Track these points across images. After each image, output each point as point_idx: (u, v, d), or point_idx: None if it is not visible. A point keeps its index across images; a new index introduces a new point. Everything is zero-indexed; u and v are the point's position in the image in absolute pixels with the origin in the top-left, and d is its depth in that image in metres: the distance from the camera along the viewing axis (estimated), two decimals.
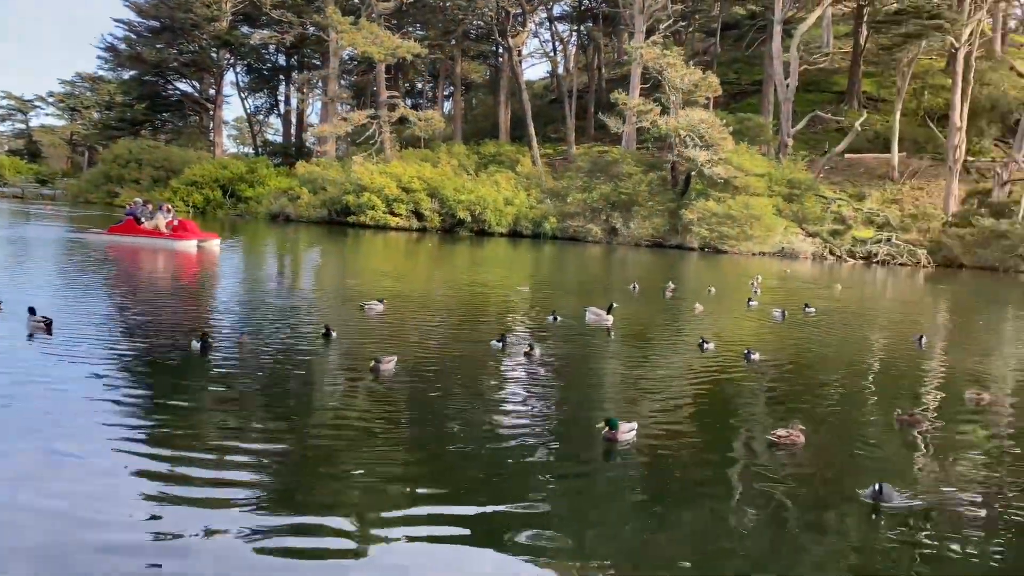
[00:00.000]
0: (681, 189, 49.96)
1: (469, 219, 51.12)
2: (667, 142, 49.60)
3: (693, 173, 48.36)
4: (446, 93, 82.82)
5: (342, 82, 72.10)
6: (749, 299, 22.27)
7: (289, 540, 5.96)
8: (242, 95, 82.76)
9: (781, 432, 9.10)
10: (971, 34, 49.18)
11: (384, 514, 6.49)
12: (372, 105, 61.43)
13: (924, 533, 6.83)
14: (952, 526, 7.01)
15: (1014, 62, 60.31)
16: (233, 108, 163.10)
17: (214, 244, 31.38)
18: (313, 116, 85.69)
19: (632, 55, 53.41)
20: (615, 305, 17.85)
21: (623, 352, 15.02)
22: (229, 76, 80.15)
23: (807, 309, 20.65)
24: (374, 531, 6.20)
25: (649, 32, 56.97)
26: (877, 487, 7.18)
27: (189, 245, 29.72)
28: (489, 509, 6.75)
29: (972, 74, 50.01)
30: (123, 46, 76.29)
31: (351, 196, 51.11)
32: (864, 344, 17.71)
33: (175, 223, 30.85)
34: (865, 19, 59.53)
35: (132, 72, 78.82)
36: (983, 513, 7.38)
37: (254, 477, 7.15)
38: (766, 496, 7.56)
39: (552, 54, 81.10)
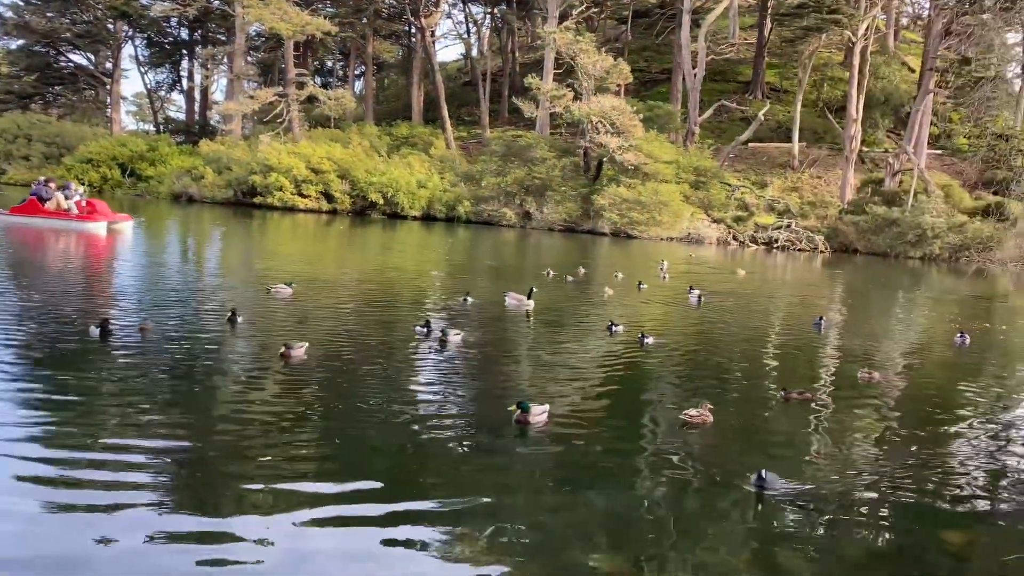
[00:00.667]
0: (593, 175, 50.58)
1: (381, 202, 50.42)
2: (580, 128, 50.06)
3: (605, 159, 49.02)
4: (357, 73, 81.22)
5: (249, 59, 69.78)
6: (661, 274, 22.87)
7: (193, 547, 5.66)
8: (142, 70, 79.24)
9: (693, 412, 9.43)
10: (867, 29, 51.35)
11: (294, 511, 6.27)
12: (280, 83, 59.72)
13: (807, 516, 7.16)
14: (838, 509, 7.38)
15: (905, 58, 63.35)
16: (132, 83, 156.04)
17: (127, 226, 29.97)
18: (218, 93, 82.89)
19: (545, 40, 53.56)
20: (535, 289, 18.01)
21: (538, 336, 15.16)
22: (127, 49, 76.63)
23: (692, 291, 21.23)
24: (283, 530, 5.97)
25: (562, 17, 57.27)
26: (761, 473, 7.31)
27: (98, 227, 28.26)
28: (401, 497, 6.72)
29: (867, 68, 52.30)
30: (9, 14, 71.72)
31: (258, 176, 49.64)
32: (765, 327, 18.40)
33: (84, 204, 29.34)
34: (769, 11, 61.41)
35: (20, 42, 74.20)
36: (871, 495, 7.79)
37: (154, 478, 6.78)
38: (670, 478, 7.79)
39: (466, 36, 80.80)
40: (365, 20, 66.50)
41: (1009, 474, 8.60)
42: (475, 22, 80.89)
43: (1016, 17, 41.51)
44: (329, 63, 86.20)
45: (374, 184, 50.18)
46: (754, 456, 8.46)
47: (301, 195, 49.88)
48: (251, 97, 57.25)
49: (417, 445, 8.08)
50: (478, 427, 8.86)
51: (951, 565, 6.33)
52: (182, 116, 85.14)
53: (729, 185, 52.22)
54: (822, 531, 6.69)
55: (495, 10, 74.82)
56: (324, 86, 72.65)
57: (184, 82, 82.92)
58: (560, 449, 8.34)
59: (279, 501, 6.46)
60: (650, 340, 13.97)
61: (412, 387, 10.50)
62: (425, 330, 13.36)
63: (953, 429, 10.35)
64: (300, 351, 11.20)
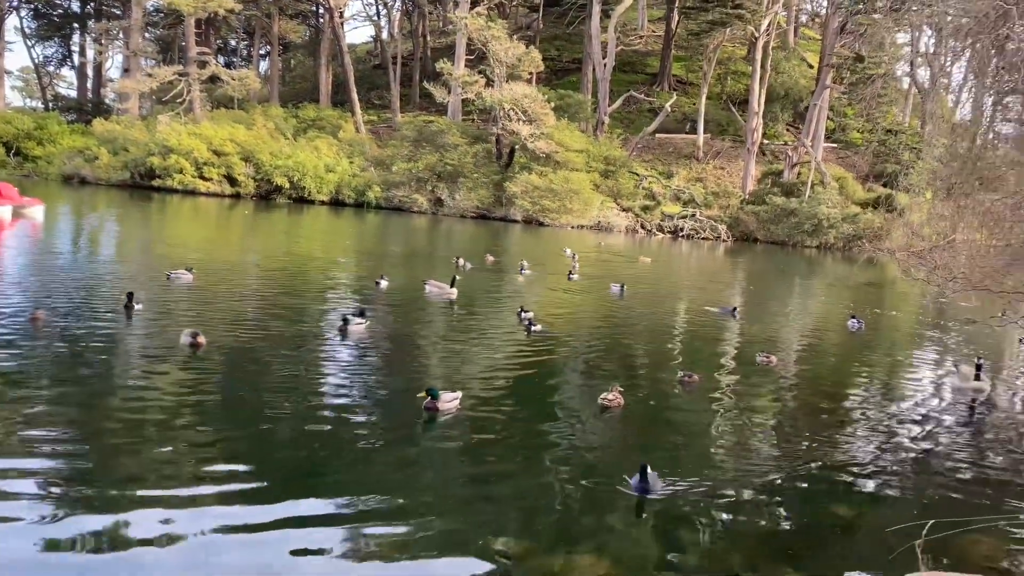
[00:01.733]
0: (505, 162, 50.70)
1: (287, 186, 49.18)
2: (492, 114, 50.06)
3: (517, 147, 49.20)
4: (262, 53, 78.73)
5: (146, 35, 66.70)
6: (570, 272, 23.06)
7: (83, 555, 5.36)
8: (28, 43, 74.62)
9: (609, 396, 9.63)
10: (768, 25, 53.15)
11: (193, 511, 6.04)
12: (180, 61, 57.41)
13: (708, 496, 7.40)
14: (736, 489, 7.65)
15: (805, 54, 65.91)
16: (18, 56, 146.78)
17: (37, 211, 28.22)
18: (113, 70, 78.82)
19: (457, 25, 53.25)
20: (458, 277, 18.03)
21: (453, 323, 15.10)
22: (12, 20, 71.99)
23: (571, 277, 21.99)
24: (182, 531, 5.73)
25: (474, 3, 56.99)
26: (639, 477, 6.97)
27: (2, 211, 26.60)
28: (307, 493, 6.58)
29: (769, 63, 54.15)
30: None
31: (156, 158, 47.63)
32: (672, 313, 18.86)
33: None
34: (676, 4, 62.75)
35: None
36: (766, 475, 8.10)
37: (45, 471, 6.45)
38: (581, 464, 7.91)
39: (376, 18, 79.37)
40: None
41: (894, 450, 9.10)
42: (385, 4, 79.67)
43: (905, 18, 43.78)
44: (233, 42, 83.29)
45: (280, 168, 48.89)
46: (658, 438, 8.70)
47: (203, 178, 48.15)
48: (149, 75, 54.87)
49: (324, 438, 7.93)
50: (387, 416, 8.77)
51: (841, 538, 6.65)
52: (73, 93, 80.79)
53: (637, 175, 53.26)
54: (721, 511, 6.91)
55: None
56: (227, 66, 70.11)
57: (75, 57, 78.76)
58: (471, 437, 8.34)
59: (177, 502, 6.16)
60: (537, 327, 13.90)
61: (319, 377, 10.30)
62: (361, 319, 13.13)
63: (845, 409, 10.89)
64: (200, 339, 10.79)
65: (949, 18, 9.04)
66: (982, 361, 12.87)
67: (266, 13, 65.42)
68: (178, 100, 54.07)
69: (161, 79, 53.32)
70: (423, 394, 8.91)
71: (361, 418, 8.56)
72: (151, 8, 64.53)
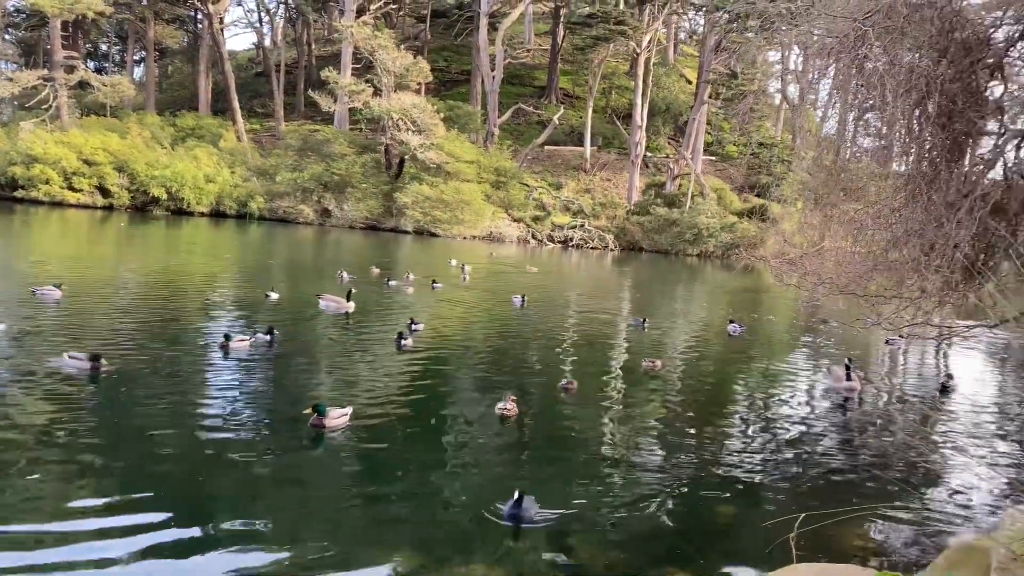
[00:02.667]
0: (395, 172, 50.27)
1: (165, 197, 47.07)
2: (380, 124, 49.59)
3: (407, 157, 48.90)
4: (137, 58, 75.24)
5: (6, 36, 62.58)
6: (463, 277, 23.09)
7: None
8: None
9: (507, 405, 9.68)
10: (649, 41, 55.04)
11: (65, 541, 5.71)
12: (46, 66, 54.08)
13: (595, 500, 7.53)
14: (622, 491, 7.82)
15: (684, 70, 68.56)
16: None
17: None
18: None
19: (343, 33, 52.51)
20: (354, 291, 17.73)
21: (341, 337, 14.78)
22: None
23: (435, 285, 22.04)
24: (59, 563, 5.41)
25: (360, 12, 56.37)
26: (513, 506, 6.63)
27: None
28: (191, 521, 6.28)
29: (650, 78, 56.04)
30: None
31: (19, 167, 44.63)
32: (562, 321, 19.10)
33: None
34: (562, 19, 64.08)
35: None
36: (653, 476, 8.32)
37: None
38: (470, 476, 7.88)
39: (258, 25, 77.32)
40: (145, 2, 61.88)
41: (771, 450, 9.53)
42: (268, 11, 77.64)
43: (775, 37, 46.25)
44: (104, 47, 79.24)
45: (157, 178, 46.74)
46: (547, 447, 8.79)
47: (72, 189, 45.47)
48: (9, 79, 51.34)
49: (207, 460, 7.59)
50: (274, 435, 8.48)
51: (724, 535, 6.89)
52: None
53: (527, 186, 53.91)
54: (608, 515, 7.04)
55: (289, 0, 72.26)
56: (99, 71, 66.78)
57: None
58: (359, 454, 8.18)
59: (48, 536, 5.78)
60: (408, 342, 13.68)
61: (200, 397, 9.86)
62: (269, 337, 12.68)
63: (726, 411, 11.32)
64: (96, 361, 10.18)
65: (815, 38, 9.55)
66: (851, 362, 13.69)
67: (140, 17, 62.60)
68: (43, 106, 50.89)
69: (23, 84, 50.01)
70: (309, 411, 8.67)
71: (245, 438, 8.25)
72: (11, 8, 60.67)
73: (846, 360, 13.81)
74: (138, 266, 22.95)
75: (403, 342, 13.59)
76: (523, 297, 20.36)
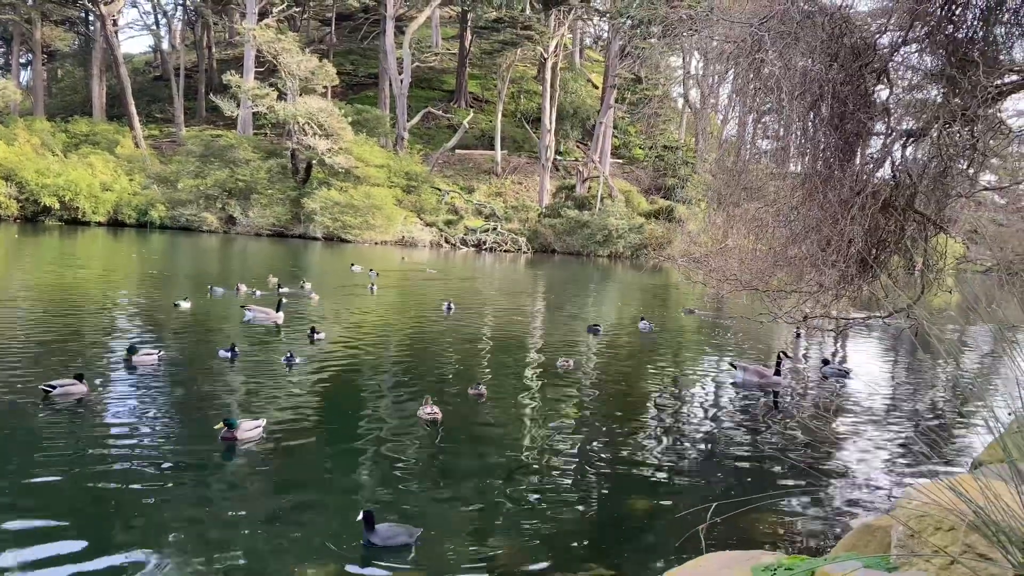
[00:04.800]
0: (303, 177, 49.30)
1: (57, 207, 44.84)
2: (286, 129, 48.57)
3: (314, 162, 48.03)
4: (23, 61, 71.35)
5: None
6: (371, 286, 22.79)
7: None
8: None
9: (429, 409, 9.64)
10: (556, 47, 55.78)
11: None
12: None
13: (516, 500, 7.57)
14: (540, 489, 7.89)
15: (591, 75, 69.72)
16: None
17: None
18: None
19: (245, 36, 51.21)
20: (284, 301, 17.33)
21: (253, 348, 14.37)
22: None
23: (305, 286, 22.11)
24: None
25: (262, 15, 55.16)
26: (366, 530, 6.27)
27: None
28: (96, 551, 5.99)
29: (558, 83, 56.79)
30: None
31: None
32: (477, 324, 19.09)
33: None
34: (469, 24, 64.23)
35: None
36: (569, 474, 8.41)
37: None
38: (389, 486, 7.79)
39: (155, 27, 74.56)
40: (31, 2, 58.81)
41: (682, 445, 9.77)
42: (165, 14, 75.01)
43: (676, 43, 47.61)
44: None
45: (48, 187, 44.46)
46: (462, 451, 8.78)
47: None
48: None
49: (112, 481, 7.25)
50: (184, 450, 8.18)
51: (637, 530, 7.02)
52: None
53: (439, 190, 53.77)
54: (522, 515, 7.08)
55: (188, 2, 69.95)
56: None
57: None
58: (270, 466, 7.98)
59: None
60: (321, 335, 14.49)
61: (104, 413, 9.40)
62: (230, 354, 12.26)
63: (639, 408, 11.55)
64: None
65: (714, 43, 9.85)
66: (784, 355, 13.90)
67: (26, 18, 59.42)
68: None
69: None
70: (220, 424, 8.41)
71: (153, 455, 7.92)
72: None
73: (780, 353, 14.03)
74: (29, 280, 21.75)
75: (317, 335, 14.09)
76: (450, 303, 20.12)
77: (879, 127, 8.30)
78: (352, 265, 30.38)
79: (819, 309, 9.41)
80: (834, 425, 11.23)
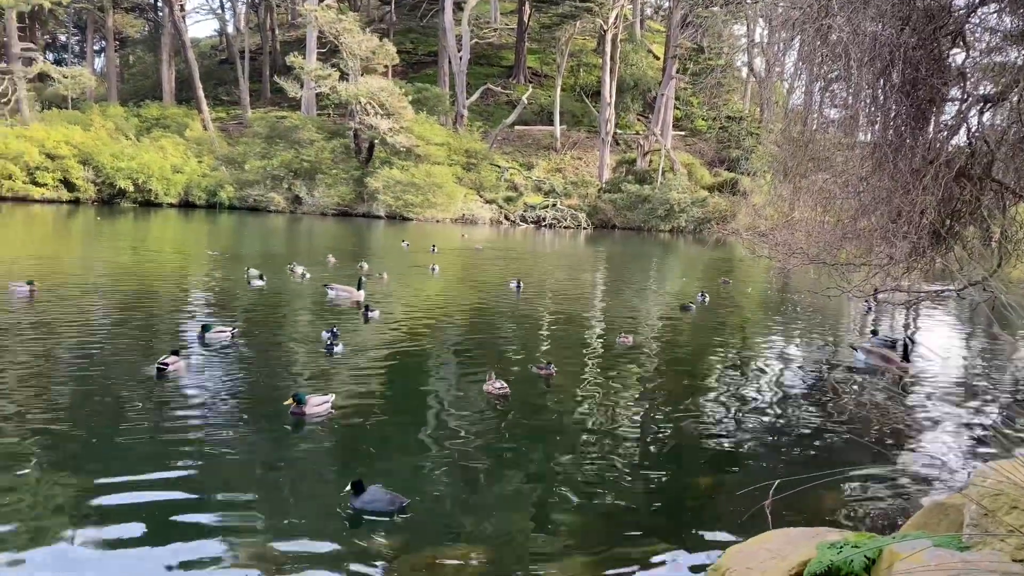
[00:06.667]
0: (365, 157, 49.89)
1: (132, 189, 46.41)
2: (348, 109, 49.14)
3: (376, 141, 48.53)
4: (97, 48, 73.70)
5: None
6: (432, 266, 23.01)
7: None
8: None
9: (497, 384, 9.75)
10: (616, 18, 54.90)
11: (64, 524, 5.74)
12: (3, 59, 52.81)
13: (582, 473, 7.60)
14: (601, 464, 7.91)
15: (651, 46, 68.52)
16: None
17: None
18: None
19: (307, 18, 51.82)
20: (364, 279, 17.65)
21: (314, 325, 14.72)
22: None
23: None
24: (44, 536, 5.44)
25: None
26: (356, 496, 6.36)
27: None
28: (175, 500, 6.28)
29: (618, 55, 55.99)
30: None
31: None
32: (539, 301, 19.12)
33: None
34: None
35: None
36: (629, 450, 8.41)
37: None
38: (453, 462, 7.92)
39: (220, 11, 76.08)
40: None
41: (746, 420, 9.66)
42: None
43: (740, 10, 46.41)
44: (63, 37, 77.48)
45: (123, 170, 46.04)
46: (525, 424, 8.85)
47: (36, 184, 44.68)
48: None
49: (187, 442, 7.55)
50: (254, 425, 8.45)
51: (699, 506, 7.00)
52: None
53: (499, 167, 53.77)
54: (586, 490, 7.12)
55: None
56: (58, 63, 65.27)
57: None
58: (337, 441, 8.19)
59: (39, 506, 5.78)
60: (375, 314, 14.69)
61: (179, 390, 9.77)
62: (331, 336, 12.46)
63: (700, 383, 11.45)
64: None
65: (779, 9, 9.59)
66: (912, 341, 12.86)
67: (98, 6, 61.26)
68: (3, 101, 49.79)
69: None
70: (290, 400, 8.66)
71: (225, 429, 8.21)
72: None
73: (906, 337, 13.06)
74: (110, 260, 22.62)
75: (370, 314, 14.25)
76: (519, 282, 20.01)
77: (954, 92, 7.98)
78: (403, 242, 30.87)
79: (889, 282, 9.16)
80: (905, 401, 10.95)
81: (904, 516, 6.21)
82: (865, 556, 3.20)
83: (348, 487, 6.40)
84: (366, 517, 6.22)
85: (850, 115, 9.43)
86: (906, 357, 12.61)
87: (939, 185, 7.35)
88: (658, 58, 63.88)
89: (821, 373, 12.56)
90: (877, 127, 8.43)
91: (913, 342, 12.89)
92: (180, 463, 7.14)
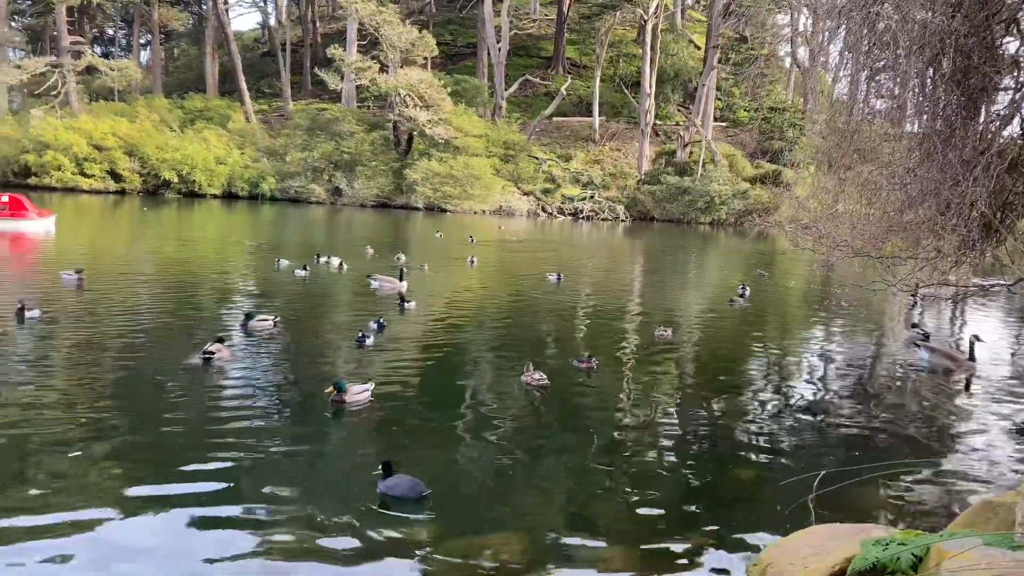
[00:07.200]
0: (404, 149, 50.15)
1: (176, 180, 47.26)
2: (388, 101, 49.41)
3: (415, 133, 48.74)
4: (143, 42, 75.08)
5: (12, 24, 62.48)
6: (471, 258, 23.06)
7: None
8: None
9: (536, 375, 9.76)
10: (656, 8, 54.34)
11: (108, 511, 5.88)
12: (53, 52, 54.11)
13: (622, 465, 7.58)
14: (642, 455, 7.88)
15: (692, 36, 67.71)
16: None
17: (50, 223, 26.63)
18: None
19: (347, 10, 52.15)
20: (406, 270, 17.79)
21: (354, 317, 14.87)
22: None
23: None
24: (96, 522, 5.60)
25: None
26: (383, 479, 6.51)
27: (34, 225, 25.57)
28: (216, 487, 6.40)
29: (658, 45, 55.43)
30: None
31: (31, 155, 44.93)
32: (575, 294, 19.07)
33: (3, 199, 26.21)
34: None
35: None
36: (670, 442, 8.36)
37: None
38: (489, 451, 7.95)
39: (262, 4, 76.90)
40: None
41: (788, 413, 9.54)
42: None
43: (784, 0, 45.73)
44: (110, 31, 79.10)
45: (167, 161, 46.93)
46: (567, 417, 8.85)
47: (84, 174, 45.77)
48: (18, 67, 51.46)
49: (228, 431, 7.69)
50: (294, 413, 8.58)
51: (740, 499, 6.93)
52: None
53: (537, 158, 53.66)
54: (627, 482, 7.10)
55: None
56: (105, 56, 66.62)
57: None
58: (376, 428, 8.26)
59: (82, 488, 5.95)
60: (411, 304, 14.85)
61: (222, 377, 9.94)
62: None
63: (741, 377, 11.33)
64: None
65: None
66: (977, 339, 12.43)
67: (144, 1, 62.36)
68: (52, 93, 51.02)
69: (31, 71, 50.14)
70: (331, 388, 8.77)
71: (267, 416, 8.33)
72: None
73: (973, 336, 12.56)
74: (155, 249, 23.07)
75: (406, 304, 14.58)
76: (559, 275, 19.92)
77: (1007, 81, 7.76)
78: (437, 232, 31.07)
79: (937, 276, 8.96)
80: (953, 398, 10.72)
81: (951, 515, 6.08)
82: (912, 554, 3.15)
83: (379, 468, 6.55)
84: (400, 504, 6.29)
85: (897, 105, 9.22)
86: (971, 356, 12.20)
87: (990, 176, 7.16)
88: (699, 48, 63.09)
89: (865, 368, 12.35)
90: (926, 117, 8.23)
91: (979, 340, 12.46)
92: (223, 449, 7.26)
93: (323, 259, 20.56)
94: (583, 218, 49.12)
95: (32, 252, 21.95)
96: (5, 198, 26.63)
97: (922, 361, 12.66)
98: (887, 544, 3.36)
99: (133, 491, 6.27)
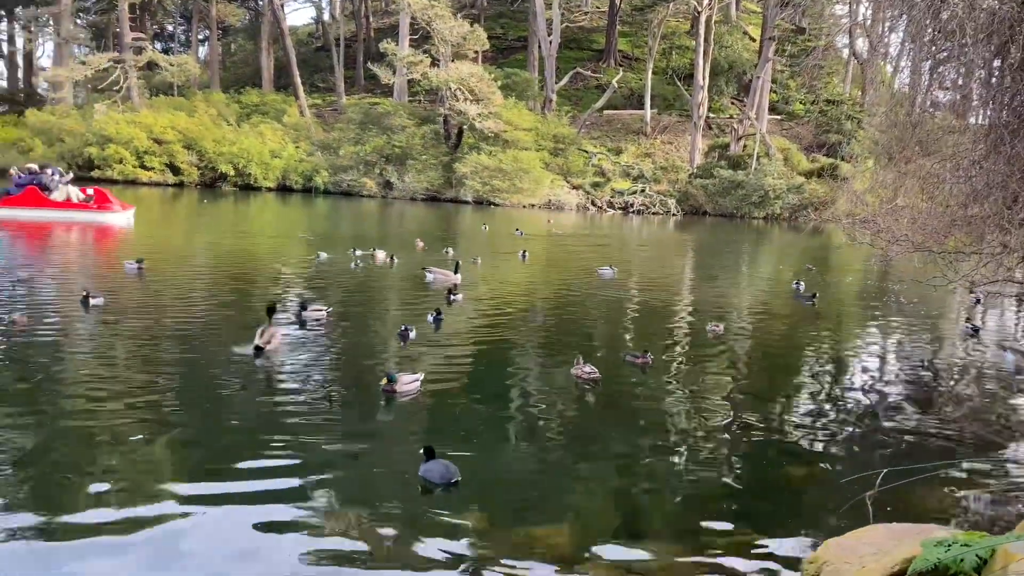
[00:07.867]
0: (454, 143, 50.36)
1: (232, 173, 48.24)
2: (439, 95, 49.65)
3: (465, 127, 48.91)
4: (201, 38, 76.69)
5: (78, 21, 64.45)
6: (522, 252, 23.09)
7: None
8: None
9: (586, 368, 9.76)
10: None
11: (157, 503, 6.02)
12: (116, 48, 55.64)
13: (671, 461, 7.53)
14: (693, 453, 7.81)
15: (747, 27, 66.59)
16: None
17: (130, 216, 27.64)
18: (45, 59, 75.92)
19: (400, 4, 52.52)
20: (460, 262, 17.90)
21: (411, 306, 15.02)
22: None
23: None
24: (150, 519, 5.76)
25: None
26: (424, 463, 6.62)
27: (118, 218, 26.46)
28: (266, 474, 6.54)
29: (712, 37, 54.64)
30: None
31: (94, 148, 46.26)
32: (625, 288, 18.95)
33: (89, 192, 27.31)
34: None
35: None
36: (722, 440, 8.27)
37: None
38: (539, 443, 7.96)
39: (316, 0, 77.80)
40: None
41: (845, 410, 9.35)
42: None
43: None
44: (170, 27, 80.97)
45: (224, 155, 47.91)
46: (617, 410, 8.82)
47: (144, 167, 46.99)
48: (82, 63, 53.03)
49: (281, 419, 7.85)
50: (345, 401, 8.71)
51: (796, 496, 6.83)
52: (3, 83, 77.65)
53: (586, 152, 53.40)
54: (680, 476, 7.05)
55: None
56: (165, 51, 68.17)
57: (3, 46, 75.64)
58: (425, 418, 8.34)
59: (141, 491, 6.14)
60: (459, 297, 14.83)
61: (277, 366, 10.15)
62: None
63: (796, 374, 11.14)
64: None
65: None
66: None
67: None
68: (114, 88, 52.45)
69: (95, 66, 51.60)
70: (384, 380, 8.89)
71: (320, 405, 8.48)
72: None
73: None
74: (213, 240, 23.60)
75: (454, 297, 14.74)
76: (612, 269, 19.86)
77: None
78: (483, 225, 31.15)
79: (1002, 272, 8.69)
80: (1016, 397, 10.39)
81: (1017, 516, 5.90)
82: (977, 555, 3.07)
83: (421, 450, 6.68)
84: (436, 488, 6.38)
85: (962, 96, 8.94)
86: None
87: None
88: (754, 40, 62.01)
89: (926, 366, 12.03)
90: (992, 108, 7.99)
91: None
92: (275, 437, 7.41)
93: (358, 252, 20.60)
94: (633, 212, 48.75)
95: (116, 243, 22.63)
96: (91, 191, 27.57)
97: (1008, 365, 12.26)
98: (950, 545, 3.28)
99: (188, 483, 6.37)
